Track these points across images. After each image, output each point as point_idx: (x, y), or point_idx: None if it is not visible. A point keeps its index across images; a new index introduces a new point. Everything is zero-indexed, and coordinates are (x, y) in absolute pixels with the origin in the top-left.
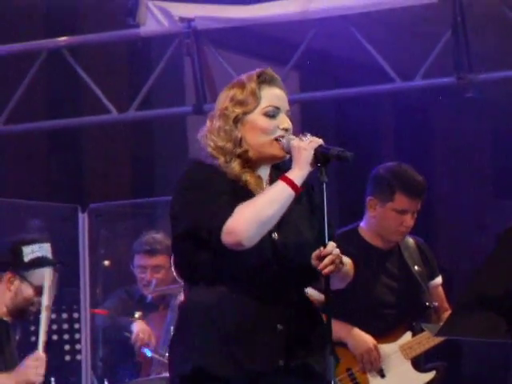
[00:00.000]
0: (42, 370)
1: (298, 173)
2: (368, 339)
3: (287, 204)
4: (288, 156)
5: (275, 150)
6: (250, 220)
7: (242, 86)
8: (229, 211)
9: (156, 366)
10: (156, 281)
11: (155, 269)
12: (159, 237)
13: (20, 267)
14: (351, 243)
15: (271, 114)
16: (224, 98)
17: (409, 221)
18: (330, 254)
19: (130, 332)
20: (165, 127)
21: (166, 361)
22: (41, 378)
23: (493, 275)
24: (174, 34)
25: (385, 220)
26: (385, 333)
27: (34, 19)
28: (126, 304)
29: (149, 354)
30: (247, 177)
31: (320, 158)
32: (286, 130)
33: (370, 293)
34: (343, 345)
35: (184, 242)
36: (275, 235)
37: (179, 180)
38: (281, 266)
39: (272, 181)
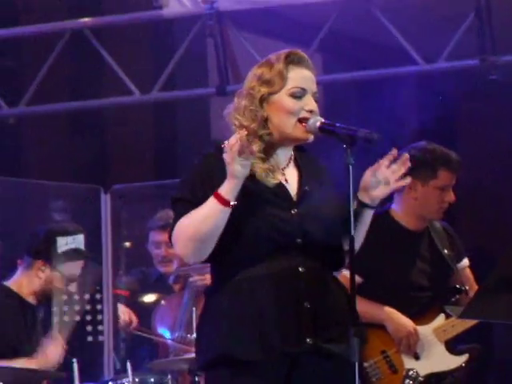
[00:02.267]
0: (61, 351)
1: (227, 186)
2: (408, 323)
3: (223, 218)
4: (312, 138)
5: (298, 133)
6: (186, 239)
7: (269, 65)
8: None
9: (174, 347)
10: (178, 261)
11: (169, 244)
12: None
13: (53, 257)
14: (384, 226)
15: (297, 95)
16: (251, 77)
17: (451, 196)
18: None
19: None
20: (187, 109)
21: (183, 344)
22: (61, 360)
23: None
24: (197, 16)
25: (428, 199)
26: (418, 316)
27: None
28: (143, 284)
29: (167, 335)
30: (256, 168)
31: (347, 139)
32: (311, 111)
33: (404, 276)
34: (378, 326)
35: None
36: (295, 211)
37: (190, 167)
38: (304, 239)
39: (297, 161)
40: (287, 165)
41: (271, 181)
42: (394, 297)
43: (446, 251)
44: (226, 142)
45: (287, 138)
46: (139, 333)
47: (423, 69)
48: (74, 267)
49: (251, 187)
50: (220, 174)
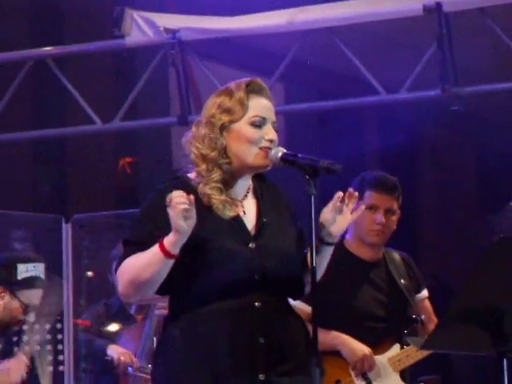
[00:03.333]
0: (23, 372)
1: (172, 239)
2: (363, 346)
3: (164, 268)
4: (270, 166)
5: (258, 160)
6: (127, 281)
7: (229, 93)
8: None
9: (133, 378)
10: None
11: None
12: None
13: (12, 284)
14: (337, 256)
15: (257, 124)
16: (211, 105)
17: (380, 218)
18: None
19: (109, 356)
20: (149, 138)
21: (144, 374)
22: (20, 379)
23: (477, 289)
24: (159, 45)
25: (360, 221)
26: (373, 345)
27: (19, 28)
28: (103, 317)
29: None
30: (214, 200)
31: (309, 170)
32: (271, 141)
33: (359, 306)
34: (333, 354)
35: None
36: (252, 245)
37: (147, 199)
38: (262, 275)
39: (256, 191)
40: (245, 195)
41: (228, 213)
42: (349, 327)
43: (402, 281)
44: (169, 196)
45: (247, 166)
46: (140, 374)
47: (385, 99)
48: (33, 295)
49: (208, 220)
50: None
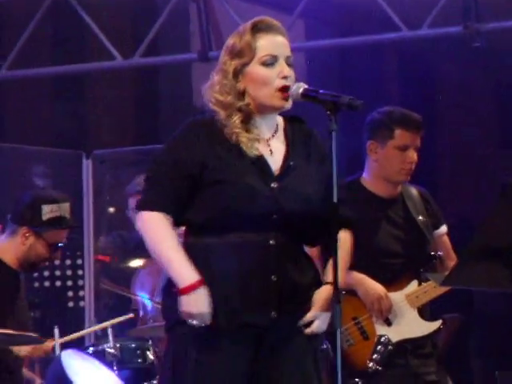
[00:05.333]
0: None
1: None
2: (378, 288)
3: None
4: (289, 105)
5: (276, 102)
6: (146, 237)
7: (239, 36)
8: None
9: (152, 314)
10: None
11: None
12: None
13: (37, 224)
14: (353, 193)
15: (269, 63)
16: (224, 51)
17: (412, 156)
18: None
19: None
20: (169, 74)
21: None
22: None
23: (498, 226)
24: None
25: (388, 160)
26: (391, 282)
27: None
28: (122, 249)
29: (147, 302)
30: (242, 138)
31: (330, 106)
32: (286, 77)
33: (375, 241)
34: (350, 293)
35: None
36: (274, 184)
37: (176, 132)
38: (280, 215)
39: (286, 132)
40: (273, 135)
41: (254, 151)
42: (366, 263)
43: (420, 217)
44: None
45: (265, 107)
46: (121, 292)
47: (406, 35)
48: (59, 235)
49: (233, 157)
50: (205, 142)
